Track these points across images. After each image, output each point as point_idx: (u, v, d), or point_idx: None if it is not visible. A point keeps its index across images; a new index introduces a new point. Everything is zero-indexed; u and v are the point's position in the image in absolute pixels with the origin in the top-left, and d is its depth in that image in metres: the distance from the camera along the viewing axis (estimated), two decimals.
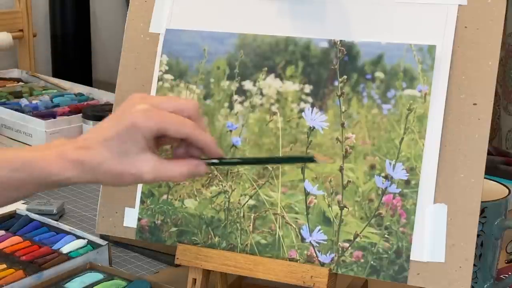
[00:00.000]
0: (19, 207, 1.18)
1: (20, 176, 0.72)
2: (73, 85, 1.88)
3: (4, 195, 0.73)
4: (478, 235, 0.82)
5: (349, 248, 0.82)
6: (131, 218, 0.92)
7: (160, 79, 0.93)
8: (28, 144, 1.51)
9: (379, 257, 0.81)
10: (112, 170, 0.72)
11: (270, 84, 0.88)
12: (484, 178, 0.79)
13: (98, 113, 1.44)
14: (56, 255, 1.00)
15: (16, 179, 0.72)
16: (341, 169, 0.83)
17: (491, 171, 0.99)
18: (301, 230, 0.84)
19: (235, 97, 0.89)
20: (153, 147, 0.73)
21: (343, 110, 0.84)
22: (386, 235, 0.81)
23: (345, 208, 0.83)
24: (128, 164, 0.72)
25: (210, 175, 0.88)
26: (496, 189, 0.95)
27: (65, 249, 1.02)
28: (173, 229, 0.89)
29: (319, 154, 0.82)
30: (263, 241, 0.85)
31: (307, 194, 0.84)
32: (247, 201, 0.87)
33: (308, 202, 0.84)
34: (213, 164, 0.76)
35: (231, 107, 0.89)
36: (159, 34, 0.94)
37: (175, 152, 0.76)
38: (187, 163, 0.74)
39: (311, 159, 0.75)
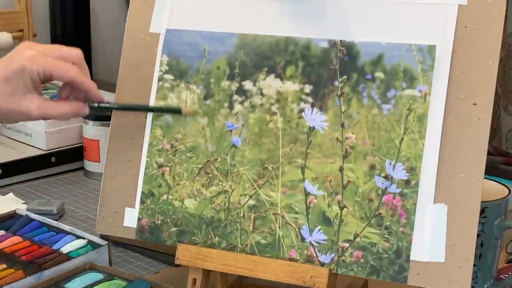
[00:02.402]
0: (19, 207, 1.18)
1: None
2: None
3: None
4: (478, 235, 0.82)
5: (349, 248, 0.82)
6: (131, 218, 0.92)
7: (160, 79, 0.93)
8: (29, 144, 1.51)
9: (379, 257, 0.81)
10: (1, 108, 0.83)
11: (270, 84, 0.88)
12: (484, 178, 0.79)
13: (98, 113, 1.43)
14: (56, 255, 1.00)
15: None
16: (341, 169, 0.83)
17: (491, 171, 0.99)
18: (301, 230, 0.84)
19: (235, 97, 0.89)
20: (40, 90, 0.84)
21: (343, 110, 0.84)
22: (386, 235, 0.81)
23: (345, 208, 0.83)
24: (16, 102, 0.83)
25: (210, 175, 0.89)
26: (496, 189, 0.95)
27: (65, 249, 1.02)
28: (173, 229, 0.89)
29: (187, 108, 0.89)
30: (263, 241, 0.85)
31: (307, 194, 0.84)
32: (247, 201, 0.87)
33: (308, 202, 0.84)
34: (94, 107, 0.87)
35: (231, 107, 0.89)
36: (159, 34, 0.94)
37: (60, 94, 0.87)
38: (70, 104, 0.86)
39: (178, 111, 0.88)
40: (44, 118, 0.86)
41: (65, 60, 0.84)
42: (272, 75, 0.88)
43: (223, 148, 0.88)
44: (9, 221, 1.12)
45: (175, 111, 0.90)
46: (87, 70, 0.87)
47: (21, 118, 0.85)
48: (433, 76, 0.81)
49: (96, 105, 0.87)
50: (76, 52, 0.86)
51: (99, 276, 0.95)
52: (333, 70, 0.85)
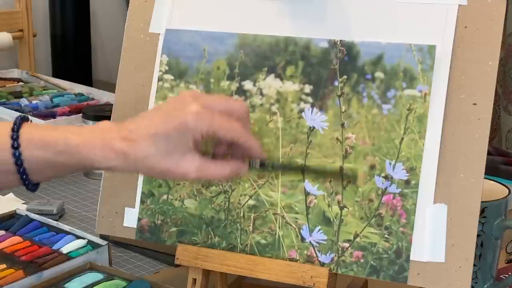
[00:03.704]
0: (19, 207, 1.18)
1: (63, 159, 0.72)
2: (73, 85, 1.88)
3: (44, 174, 0.74)
4: (478, 235, 0.82)
5: (349, 248, 0.82)
6: (131, 218, 0.92)
7: (160, 79, 0.93)
8: None
9: (379, 257, 0.81)
10: (156, 166, 0.72)
11: (270, 84, 0.88)
12: (484, 178, 0.79)
13: (98, 113, 1.44)
14: (56, 255, 1.00)
15: (59, 161, 0.72)
16: (341, 169, 0.83)
17: (491, 171, 0.99)
18: (301, 230, 0.84)
19: (235, 97, 0.89)
20: (199, 147, 0.73)
21: (343, 110, 0.84)
22: (386, 235, 0.81)
23: (345, 208, 0.83)
24: (173, 162, 0.72)
25: None
26: (496, 189, 0.95)
27: (65, 249, 1.02)
28: (173, 229, 0.89)
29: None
30: (263, 241, 0.85)
31: (307, 194, 0.84)
32: (247, 201, 0.87)
33: (308, 202, 0.84)
34: (254, 167, 0.76)
35: None
36: (159, 34, 0.94)
37: (216, 150, 0.76)
38: (230, 164, 0.75)
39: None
40: (201, 178, 0.76)
41: (230, 115, 0.74)
42: (272, 75, 0.88)
43: None
44: (9, 221, 1.12)
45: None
46: (249, 125, 0.76)
47: (176, 178, 0.77)
48: (433, 76, 0.81)
49: (257, 165, 0.77)
50: (242, 107, 0.75)
51: (99, 276, 0.95)
52: (333, 70, 0.85)
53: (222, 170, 0.74)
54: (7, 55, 2.42)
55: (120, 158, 0.71)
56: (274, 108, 0.87)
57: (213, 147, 0.76)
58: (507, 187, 0.95)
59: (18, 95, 1.79)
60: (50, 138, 0.72)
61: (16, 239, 1.05)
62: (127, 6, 0.99)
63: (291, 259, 0.84)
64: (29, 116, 0.79)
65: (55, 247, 1.03)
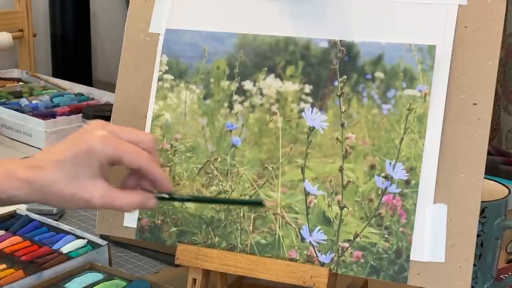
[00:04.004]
0: (19, 207, 1.18)
1: None
2: (73, 85, 1.88)
3: None
4: (478, 235, 0.82)
5: (349, 248, 0.82)
6: (131, 218, 0.92)
7: (160, 79, 0.93)
8: (29, 144, 1.51)
9: (379, 257, 0.81)
10: (62, 192, 0.72)
11: (270, 84, 0.88)
12: (484, 178, 0.79)
13: (98, 113, 1.43)
14: (56, 255, 1.00)
15: None
16: (341, 169, 0.83)
17: (491, 171, 0.99)
18: (301, 230, 0.84)
19: (235, 97, 0.89)
20: (106, 175, 0.73)
21: (343, 110, 0.84)
22: (386, 235, 0.81)
23: (345, 208, 0.83)
24: (79, 187, 0.72)
25: (210, 175, 0.89)
26: (496, 189, 0.95)
27: (65, 249, 1.02)
28: (173, 229, 0.89)
29: (268, 201, 0.85)
30: (263, 241, 0.85)
31: (307, 194, 0.84)
32: None
33: (308, 202, 0.84)
34: (163, 199, 0.77)
35: (231, 107, 0.89)
36: (159, 34, 0.94)
37: (125, 182, 0.77)
38: (137, 194, 0.75)
39: (260, 203, 0.81)
40: (107, 208, 0.75)
41: (137, 144, 0.75)
42: (272, 75, 0.88)
43: (223, 148, 0.88)
44: (9, 221, 1.12)
45: (257, 204, 0.84)
46: (157, 157, 0.77)
47: (81, 205, 0.74)
48: (433, 76, 0.81)
49: (166, 196, 0.77)
50: (148, 138, 0.76)
51: (99, 276, 0.95)
52: (333, 70, 0.85)
53: (130, 199, 0.74)
54: (7, 55, 2.42)
55: (25, 186, 0.71)
56: (274, 108, 0.87)
57: (122, 181, 0.76)
58: (507, 187, 0.95)
59: (18, 95, 1.79)
60: None
61: (16, 239, 1.05)
62: (127, 6, 0.99)
63: (291, 259, 0.84)
64: None
65: (55, 247, 1.03)
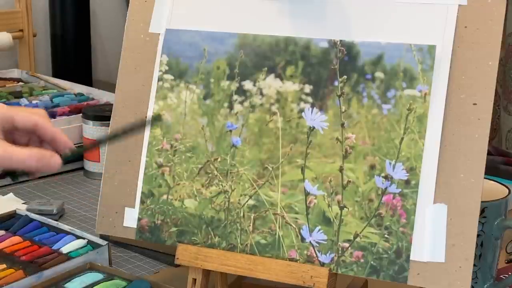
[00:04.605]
0: (19, 207, 1.18)
1: None
2: (73, 85, 1.87)
3: None
4: (478, 235, 0.82)
5: (349, 248, 0.82)
6: (131, 218, 0.92)
7: (160, 79, 0.93)
8: None
9: (379, 257, 0.81)
10: None
11: (270, 84, 0.88)
12: (484, 178, 0.79)
13: (98, 113, 1.44)
14: (56, 255, 1.00)
15: None
16: (341, 169, 0.83)
17: (491, 171, 0.99)
18: (301, 230, 0.84)
19: (235, 97, 0.89)
20: (2, 138, 0.77)
21: (343, 110, 0.84)
22: (386, 235, 0.81)
23: (345, 208, 0.83)
24: None
25: (210, 175, 0.89)
26: (496, 189, 0.95)
27: (65, 249, 1.02)
28: (173, 229, 0.89)
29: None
30: (263, 241, 0.85)
31: (307, 194, 0.84)
32: (247, 201, 0.87)
33: (308, 202, 0.84)
34: (67, 156, 0.80)
35: (231, 107, 0.89)
36: (159, 34, 0.94)
37: (17, 137, 0.80)
38: (35, 148, 0.78)
39: (143, 124, 0.86)
40: (6, 166, 0.77)
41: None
42: (272, 75, 0.88)
43: (223, 148, 0.88)
44: (9, 221, 1.12)
45: (141, 126, 0.87)
46: (50, 123, 0.82)
47: None
48: (433, 76, 0.81)
49: (68, 153, 0.80)
50: (39, 110, 0.82)
51: (99, 276, 0.95)
52: (333, 70, 0.85)
53: (28, 152, 0.76)
54: (7, 55, 2.42)
55: None
56: (274, 108, 0.87)
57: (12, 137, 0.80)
58: (507, 187, 0.95)
59: (18, 95, 1.79)
60: None
61: (16, 239, 1.05)
62: (127, 6, 0.99)
63: (291, 259, 0.84)
64: None
65: (55, 247, 1.03)
